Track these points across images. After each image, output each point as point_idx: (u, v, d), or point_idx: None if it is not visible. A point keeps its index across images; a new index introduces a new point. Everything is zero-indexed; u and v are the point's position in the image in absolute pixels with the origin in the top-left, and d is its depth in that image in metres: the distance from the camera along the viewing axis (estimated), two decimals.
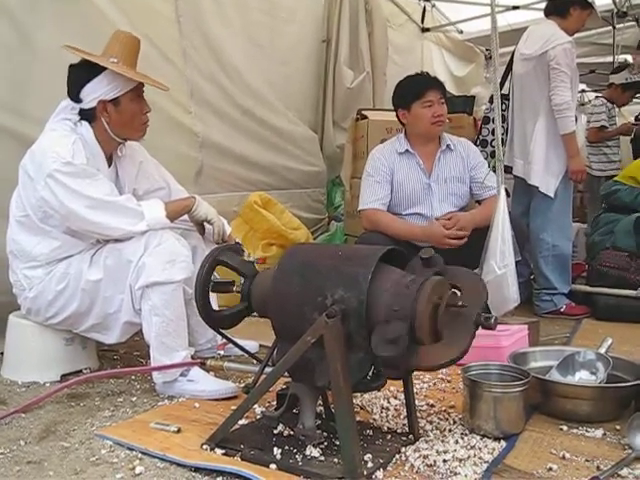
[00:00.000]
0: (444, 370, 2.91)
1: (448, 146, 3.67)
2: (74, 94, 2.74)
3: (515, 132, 4.27)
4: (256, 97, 5.04)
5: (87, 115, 2.75)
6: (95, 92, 2.71)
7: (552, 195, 4.02)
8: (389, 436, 2.15)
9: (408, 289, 1.91)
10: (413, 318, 1.88)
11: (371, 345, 1.88)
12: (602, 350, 2.62)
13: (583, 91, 11.45)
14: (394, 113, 3.77)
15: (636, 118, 7.38)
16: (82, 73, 2.71)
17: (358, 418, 2.23)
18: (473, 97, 5.83)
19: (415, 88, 3.60)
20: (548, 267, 4.12)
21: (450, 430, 2.24)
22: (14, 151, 2.96)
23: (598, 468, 1.96)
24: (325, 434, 2.09)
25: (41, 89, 3.25)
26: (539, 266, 4.16)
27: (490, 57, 7.61)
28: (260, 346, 3.10)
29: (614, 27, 6.78)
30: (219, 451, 2.05)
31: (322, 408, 2.24)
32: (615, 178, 5.07)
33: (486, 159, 4.25)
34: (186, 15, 4.41)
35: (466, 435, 2.18)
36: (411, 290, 1.90)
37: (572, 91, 3.96)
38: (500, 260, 3.11)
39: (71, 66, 2.75)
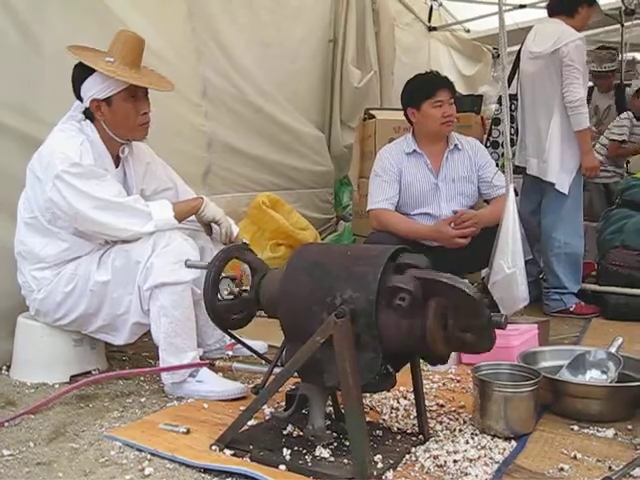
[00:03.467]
0: (454, 370, 2.92)
1: (456, 146, 3.66)
2: (75, 92, 2.76)
3: (527, 131, 4.24)
4: (265, 96, 5.03)
5: (89, 114, 2.76)
6: (89, 91, 2.71)
7: (566, 192, 4.01)
8: (399, 436, 2.15)
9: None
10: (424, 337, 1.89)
11: None
12: (613, 349, 2.61)
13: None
14: (402, 112, 3.76)
15: None
16: (80, 72, 2.72)
17: (368, 418, 2.21)
18: (481, 96, 5.81)
19: (425, 87, 3.59)
20: (559, 266, 4.10)
21: (460, 430, 2.23)
22: (21, 152, 2.96)
23: (610, 468, 1.95)
24: (335, 435, 2.08)
25: (48, 90, 3.25)
26: (550, 264, 4.14)
27: (497, 56, 7.58)
28: (269, 346, 3.10)
29: (622, 25, 6.75)
30: (228, 452, 2.05)
31: (332, 408, 2.24)
32: (635, 174, 5.06)
33: (497, 160, 4.23)
34: (196, 12, 4.41)
35: (476, 435, 2.18)
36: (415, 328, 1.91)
37: (584, 88, 3.95)
38: (510, 260, 3.10)
39: (76, 64, 2.76)
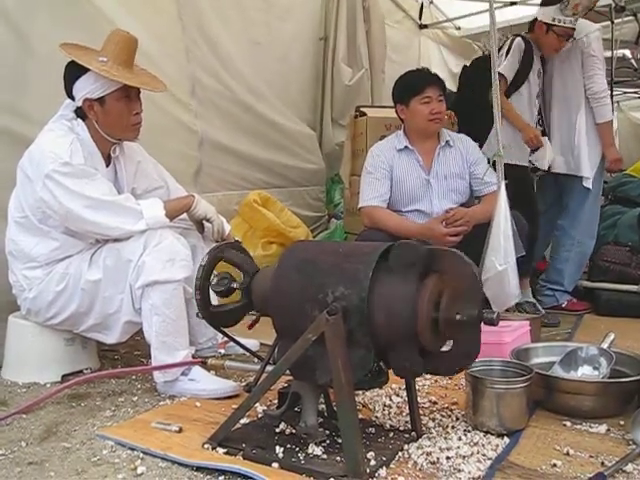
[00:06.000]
0: None
1: (447, 142, 3.66)
2: (68, 91, 2.74)
3: (556, 128, 4.14)
4: (255, 95, 5.03)
5: (80, 113, 2.75)
6: (82, 90, 2.70)
7: (591, 187, 4.01)
8: (392, 434, 2.15)
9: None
10: (416, 334, 1.89)
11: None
12: (604, 345, 2.62)
13: None
14: (393, 110, 3.75)
15: None
16: (73, 70, 2.71)
17: (360, 416, 2.21)
18: None
19: (414, 84, 3.59)
20: (568, 263, 4.13)
21: (453, 427, 2.23)
22: (11, 151, 2.95)
23: (602, 464, 1.96)
24: (327, 432, 2.08)
25: (39, 89, 3.23)
26: (558, 259, 4.16)
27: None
28: (261, 344, 3.10)
29: (612, 22, 6.75)
30: (221, 450, 2.04)
31: (324, 406, 2.23)
32: (626, 171, 5.06)
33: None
34: (187, 12, 4.40)
35: (469, 432, 2.18)
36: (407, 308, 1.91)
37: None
38: (501, 257, 3.10)
39: (67, 63, 2.75)
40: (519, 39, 3.92)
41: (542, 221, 4.25)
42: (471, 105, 4.18)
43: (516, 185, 3.79)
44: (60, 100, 2.78)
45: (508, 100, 3.90)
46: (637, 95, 11.46)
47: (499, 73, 3.71)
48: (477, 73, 4.06)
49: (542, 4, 3.90)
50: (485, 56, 4.16)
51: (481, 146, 3.89)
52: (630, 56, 7.94)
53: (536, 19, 3.93)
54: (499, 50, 3.89)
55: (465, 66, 4.27)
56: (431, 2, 7.72)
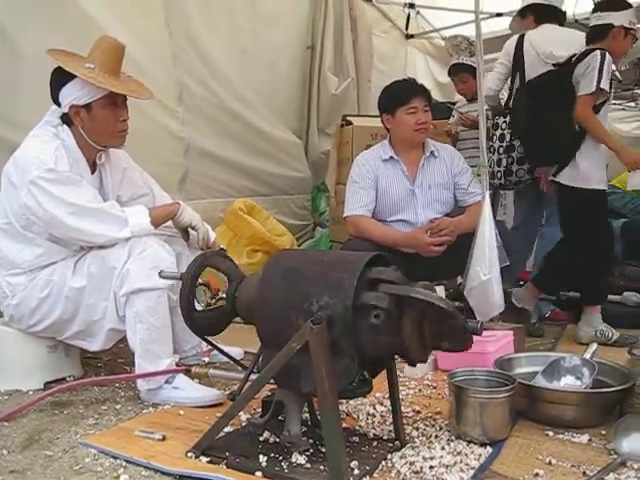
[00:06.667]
0: (430, 376, 2.92)
1: (432, 153, 3.67)
2: (54, 97, 2.73)
3: None
4: (243, 102, 5.05)
5: (66, 119, 2.74)
6: (69, 97, 2.69)
7: None
8: (375, 443, 2.15)
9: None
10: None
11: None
12: (587, 355, 2.63)
13: None
14: (379, 119, 3.77)
15: None
16: (59, 76, 2.70)
17: (344, 425, 2.21)
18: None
19: (400, 94, 3.60)
20: None
21: (436, 436, 2.23)
22: None
23: (584, 473, 1.96)
24: (311, 441, 2.08)
25: (26, 94, 3.24)
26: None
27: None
28: (245, 352, 3.10)
29: None
30: (204, 459, 2.04)
31: (308, 415, 2.23)
32: (611, 182, 5.07)
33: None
34: (174, 18, 4.41)
35: (452, 441, 2.18)
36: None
37: None
38: (486, 266, 3.11)
39: (54, 69, 2.74)
40: (607, 53, 3.73)
41: (524, 231, 4.27)
42: (546, 125, 3.78)
43: (593, 213, 3.67)
44: (48, 106, 2.77)
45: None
46: (621, 107, 11.55)
47: (602, 89, 3.60)
48: (547, 90, 3.83)
49: (614, 9, 3.78)
50: (550, 72, 3.93)
51: (561, 169, 3.68)
52: (614, 68, 8.00)
53: (609, 26, 3.80)
54: (575, 61, 3.79)
55: (530, 81, 4.02)
56: (418, 12, 7.76)
